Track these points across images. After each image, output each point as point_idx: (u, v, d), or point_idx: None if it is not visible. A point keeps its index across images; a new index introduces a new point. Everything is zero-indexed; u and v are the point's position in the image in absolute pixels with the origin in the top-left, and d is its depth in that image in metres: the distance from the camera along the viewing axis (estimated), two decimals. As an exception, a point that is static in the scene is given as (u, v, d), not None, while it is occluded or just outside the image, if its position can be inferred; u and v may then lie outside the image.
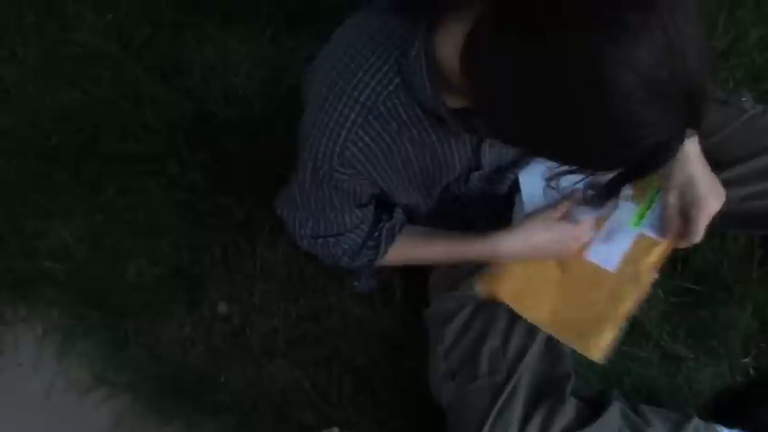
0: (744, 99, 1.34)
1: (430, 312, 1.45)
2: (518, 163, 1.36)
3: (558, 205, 1.24)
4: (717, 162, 1.29)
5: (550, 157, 0.92)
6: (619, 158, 0.82)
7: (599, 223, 1.26)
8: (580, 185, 0.98)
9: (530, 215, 1.25)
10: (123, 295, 1.62)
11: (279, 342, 1.58)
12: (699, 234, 1.21)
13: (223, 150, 1.68)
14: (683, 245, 1.25)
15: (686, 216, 1.22)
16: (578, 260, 1.27)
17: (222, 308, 1.60)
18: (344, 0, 1.71)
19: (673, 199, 1.22)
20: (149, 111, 1.70)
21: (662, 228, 1.25)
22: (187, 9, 1.76)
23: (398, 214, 1.29)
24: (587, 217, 1.24)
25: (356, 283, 1.50)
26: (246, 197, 1.64)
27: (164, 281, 1.62)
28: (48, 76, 1.74)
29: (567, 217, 1.24)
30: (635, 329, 1.49)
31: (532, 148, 0.95)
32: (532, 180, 1.26)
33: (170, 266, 1.62)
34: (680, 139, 0.79)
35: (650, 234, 1.26)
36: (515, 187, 1.32)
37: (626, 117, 0.75)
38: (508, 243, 1.25)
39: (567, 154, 0.85)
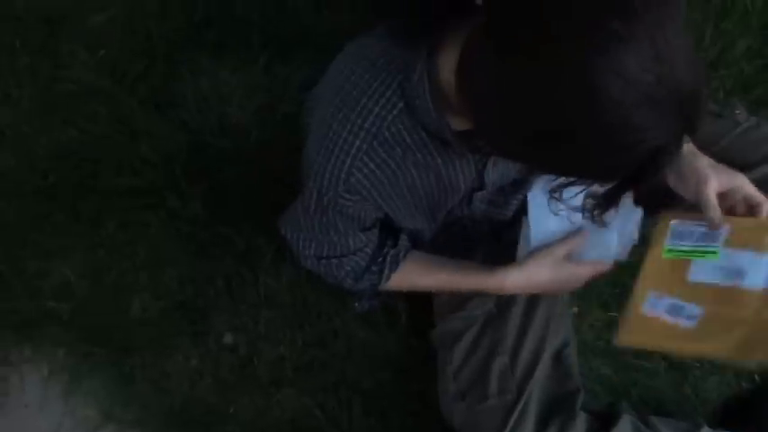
0: (738, 112, 1.35)
1: (436, 334, 1.45)
2: (520, 183, 1.37)
3: (566, 241, 1.25)
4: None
5: (551, 170, 0.93)
6: (616, 166, 0.82)
7: (604, 266, 1.27)
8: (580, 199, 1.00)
9: (537, 251, 1.26)
10: (128, 331, 1.62)
11: (286, 370, 1.58)
12: (710, 209, 1.18)
13: (221, 180, 1.69)
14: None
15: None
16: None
17: (228, 338, 1.60)
18: (335, 27, 1.75)
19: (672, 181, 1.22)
20: (146, 144, 1.70)
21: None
22: (179, 42, 1.77)
23: (404, 241, 1.30)
24: (594, 257, 1.26)
25: (357, 304, 1.51)
26: (246, 226, 1.64)
27: (168, 314, 1.62)
28: (42, 115, 1.74)
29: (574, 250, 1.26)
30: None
31: (532, 162, 0.96)
32: (541, 200, 1.27)
33: (174, 299, 1.62)
34: (676, 145, 0.80)
35: None
36: (521, 210, 1.33)
37: (619, 123, 0.76)
38: (513, 279, 1.27)
39: (566, 165, 0.86)
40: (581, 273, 1.26)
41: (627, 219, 1.24)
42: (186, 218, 1.66)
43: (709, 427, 1.41)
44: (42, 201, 1.68)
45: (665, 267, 1.19)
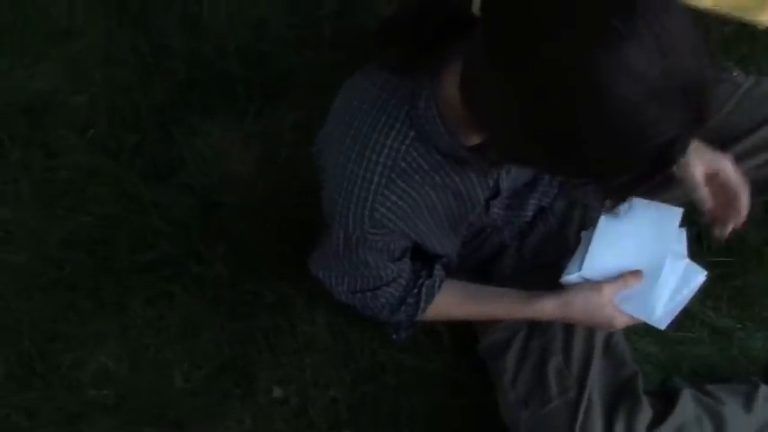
0: (735, 74, 1.38)
1: (483, 347, 1.46)
2: (534, 183, 1.39)
3: (616, 282, 1.24)
4: (722, 139, 1.33)
5: (565, 173, 0.95)
6: (630, 163, 0.83)
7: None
8: None
9: (583, 284, 1.26)
10: (176, 404, 1.60)
11: (341, 411, 1.58)
12: (698, 189, 1.24)
13: (238, 237, 1.68)
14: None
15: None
16: None
17: (277, 392, 1.60)
18: (318, 66, 1.76)
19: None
20: (155, 216, 1.70)
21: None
22: (166, 108, 1.77)
23: (438, 271, 1.30)
24: (635, 313, 1.26)
25: (394, 336, 1.51)
26: (273, 277, 1.64)
27: (212, 380, 1.61)
28: (45, 206, 1.72)
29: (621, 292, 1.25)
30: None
31: (546, 167, 0.98)
32: (606, 228, 1.27)
33: (214, 364, 1.61)
34: (688, 136, 0.80)
35: None
36: (584, 223, 1.33)
37: (629, 119, 0.76)
38: (551, 310, 1.28)
39: (580, 167, 0.86)
40: (617, 321, 1.26)
41: (682, 285, 1.25)
42: (211, 281, 1.65)
43: (765, 384, 1.44)
44: (63, 292, 1.66)
45: None
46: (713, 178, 1.25)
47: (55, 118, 1.78)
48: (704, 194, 1.25)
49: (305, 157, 1.65)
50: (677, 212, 1.26)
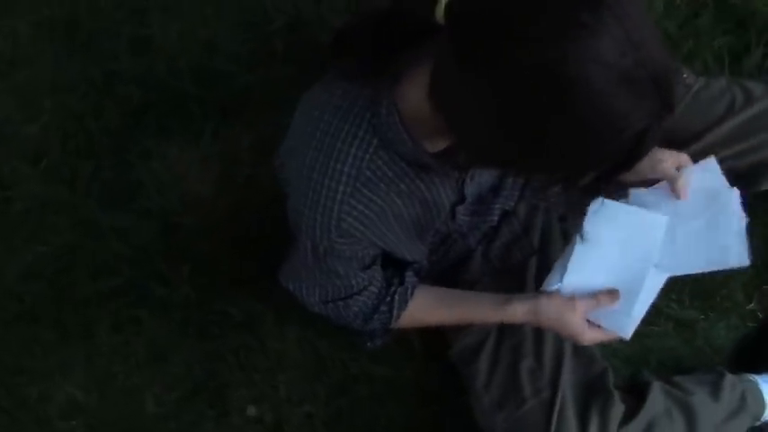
0: (685, 75, 1.41)
1: (454, 352, 1.46)
2: (498, 188, 1.40)
3: (593, 301, 1.26)
4: (675, 142, 1.36)
5: (540, 172, 0.95)
6: (603, 157, 0.84)
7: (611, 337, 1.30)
8: None
9: (561, 296, 1.27)
10: (149, 430, 1.59)
11: (317, 426, 1.58)
12: (676, 179, 1.26)
13: (200, 258, 1.67)
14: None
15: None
16: None
17: (251, 410, 1.59)
18: (272, 82, 1.75)
19: None
20: (115, 241, 1.67)
21: None
22: (121, 133, 1.74)
23: (410, 278, 1.31)
24: (609, 327, 1.28)
25: (369, 344, 1.51)
26: (239, 295, 1.63)
27: (185, 402, 1.59)
28: (2, 240, 1.69)
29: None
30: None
31: (520, 167, 0.98)
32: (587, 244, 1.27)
33: (186, 387, 1.60)
34: (659, 125, 0.82)
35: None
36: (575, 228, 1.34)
37: (602, 111, 0.78)
38: (519, 315, 1.29)
39: (554, 164, 0.87)
40: (585, 337, 1.28)
41: (646, 302, 1.27)
42: (177, 303, 1.64)
43: (730, 372, 1.48)
44: (26, 325, 1.64)
45: None
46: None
47: (7, 149, 1.74)
48: (683, 183, 1.27)
49: (264, 174, 1.69)
50: (662, 221, 1.26)
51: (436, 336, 1.51)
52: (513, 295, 1.31)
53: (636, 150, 0.83)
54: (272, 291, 1.58)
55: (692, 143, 1.36)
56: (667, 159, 1.28)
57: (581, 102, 0.77)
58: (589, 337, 1.28)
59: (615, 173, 0.89)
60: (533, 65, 0.77)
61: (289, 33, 1.79)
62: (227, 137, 1.75)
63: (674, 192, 1.28)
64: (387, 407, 1.58)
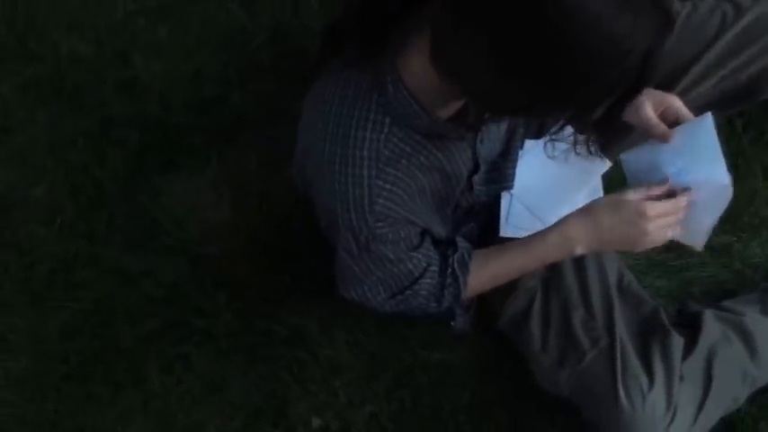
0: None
1: (504, 321, 1.47)
2: (507, 151, 1.41)
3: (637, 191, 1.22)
4: (676, 68, 1.38)
5: (553, 110, 0.97)
6: (612, 83, 0.86)
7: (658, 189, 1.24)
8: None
9: (603, 198, 1.28)
10: (219, 462, 1.59)
11: (384, 423, 1.58)
12: (654, 126, 1.25)
13: (231, 283, 1.67)
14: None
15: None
16: None
17: (316, 422, 1.59)
18: (267, 100, 1.75)
19: None
20: (146, 283, 1.67)
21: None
22: (127, 177, 1.75)
23: (461, 242, 1.31)
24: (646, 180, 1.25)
25: (453, 323, 1.47)
26: (280, 312, 1.63)
27: (250, 428, 1.59)
28: (33, 304, 1.68)
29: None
30: (674, 244, 1.54)
31: (534, 108, 0.97)
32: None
33: (247, 412, 1.60)
34: (661, 44, 0.83)
35: None
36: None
37: (604, 35, 0.79)
38: (574, 224, 1.24)
39: (565, 98, 0.89)
40: (643, 206, 1.19)
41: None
42: (220, 333, 1.63)
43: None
44: (76, 384, 1.62)
45: None
46: (665, 117, 1.27)
47: (18, 215, 1.74)
48: (662, 130, 1.25)
49: (277, 188, 1.69)
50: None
51: (480, 313, 1.52)
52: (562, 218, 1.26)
53: (643, 72, 0.85)
54: (312, 301, 1.60)
55: (690, 67, 1.37)
56: (647, 104, 1.25)
57: (582, 29, 0.79)
58: (649, 208, 1.19)
59: (627, 99, 0.91)
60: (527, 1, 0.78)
61: (272, 46, 1.80)
62: (233, 159, 1.75)
63: (655, 137, 1.26)
64: (448, 390, 1.58)
